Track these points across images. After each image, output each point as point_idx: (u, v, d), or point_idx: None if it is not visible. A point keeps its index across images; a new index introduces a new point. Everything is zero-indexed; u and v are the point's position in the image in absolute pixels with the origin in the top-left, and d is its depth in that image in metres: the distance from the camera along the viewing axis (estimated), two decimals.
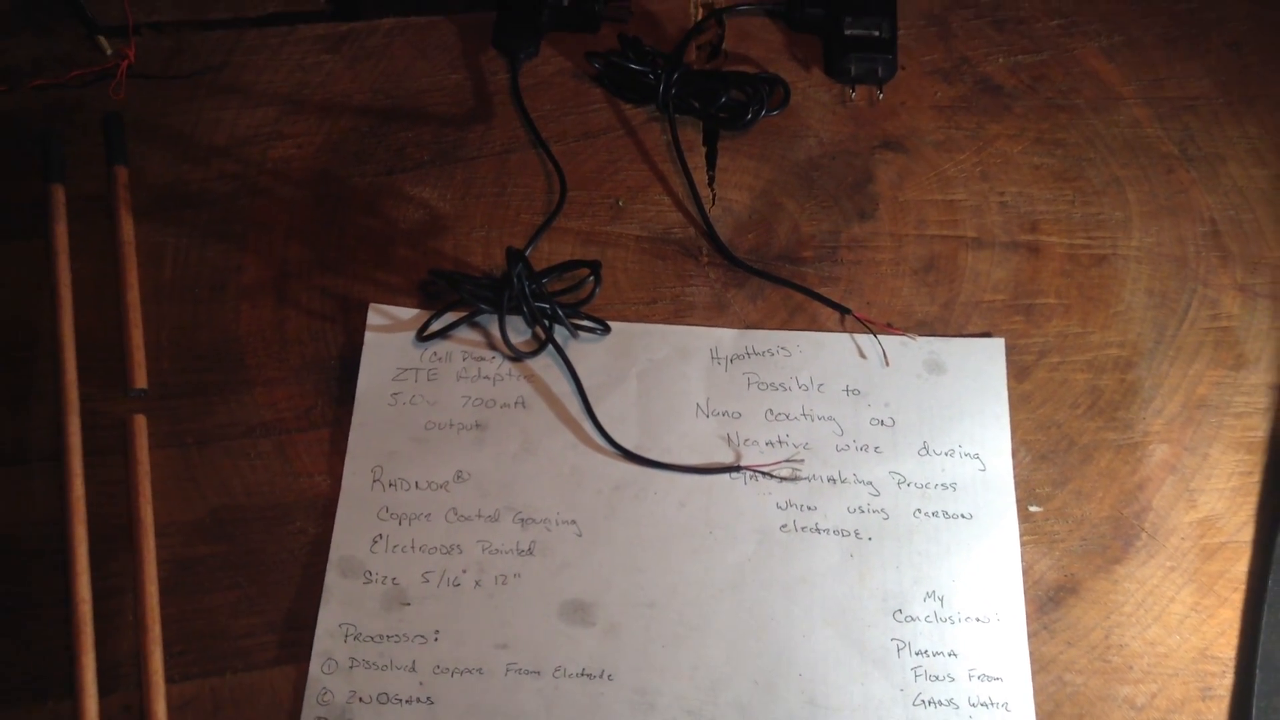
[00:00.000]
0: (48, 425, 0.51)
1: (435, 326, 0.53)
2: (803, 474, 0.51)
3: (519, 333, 0.53)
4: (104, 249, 0.54)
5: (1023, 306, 0.55)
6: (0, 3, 0.59)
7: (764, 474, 0.51)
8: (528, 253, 0.54)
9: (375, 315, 0.53)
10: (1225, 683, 0.48)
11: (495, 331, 0.53)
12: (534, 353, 0.53)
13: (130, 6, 0.59)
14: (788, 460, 0.51)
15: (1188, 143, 0.59)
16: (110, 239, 0.54)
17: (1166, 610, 0.49)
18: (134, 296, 0.53)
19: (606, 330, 0.53)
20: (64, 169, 0.55)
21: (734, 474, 0.51)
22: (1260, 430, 0.53)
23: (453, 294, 0.53)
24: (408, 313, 0.54)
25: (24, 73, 0.58)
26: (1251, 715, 0.47)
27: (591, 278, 0.53)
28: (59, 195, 0.55)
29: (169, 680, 0.47)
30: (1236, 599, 0.50)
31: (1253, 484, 0.52)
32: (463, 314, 0.53)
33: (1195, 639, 0.49)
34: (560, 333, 0.53)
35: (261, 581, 0.49)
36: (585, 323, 0.53)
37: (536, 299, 0.52)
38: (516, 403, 0.52)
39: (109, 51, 0.59)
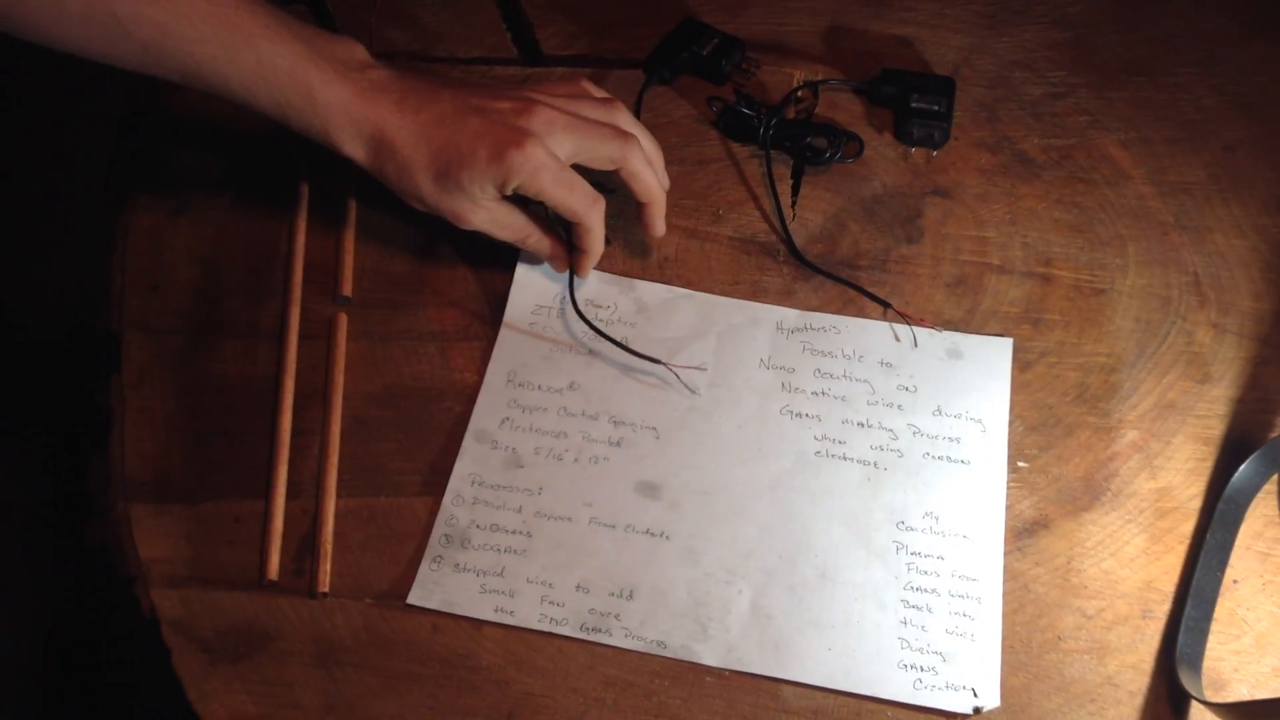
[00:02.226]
0: (275, 315, 0.68)
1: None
2: (698, 391, 0.65)
3: None
4: (332, 198, 0.72)
5: (1031, 319, 0.69)
6: None
7: (674, 373, 0.65)
8: None
9: (521, 267, 0.70)
10: (1163, 608, 0.59)
11: None
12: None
13: (373, 39, 0.80)
14: (696, 366, 0.66)
15: (1182, 215, 0.73)
16: (337, 191, 0.73)
17: (1121, 550, 0.61)
18: (350, 232, 0.71)
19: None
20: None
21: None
22: (1217, 430, 0.65)
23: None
24: (545, 267, 0.70)
25: None
26: (1180, 630, 0.58)
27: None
28: (303, 164, 0.74)
29: (339, 496, 0.62)
30: (1181, 549, 0.61)
31: (1206, 468, 0.63)
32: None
33: (1143, 574, 0.60)
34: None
35: (416, 438, 0.64)
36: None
37: None
38: (621, 340, 0.68)
39: None
